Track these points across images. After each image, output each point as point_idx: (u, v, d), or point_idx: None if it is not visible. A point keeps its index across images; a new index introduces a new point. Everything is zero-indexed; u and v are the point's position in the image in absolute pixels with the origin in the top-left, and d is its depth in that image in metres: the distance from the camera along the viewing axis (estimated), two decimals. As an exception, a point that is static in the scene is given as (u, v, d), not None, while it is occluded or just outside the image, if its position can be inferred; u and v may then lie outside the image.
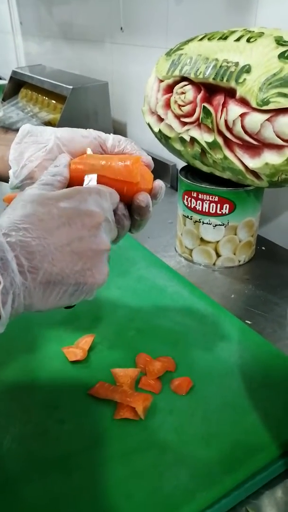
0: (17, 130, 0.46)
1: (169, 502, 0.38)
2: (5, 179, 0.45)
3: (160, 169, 1.07)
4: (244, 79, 0.56)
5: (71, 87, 1.06)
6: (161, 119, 0.69)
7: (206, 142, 0.62)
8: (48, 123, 1.16)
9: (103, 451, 0.42)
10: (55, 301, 0.34)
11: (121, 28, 1.11)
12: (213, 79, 0.59)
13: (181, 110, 0.64)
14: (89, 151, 0.43)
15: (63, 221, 0.34)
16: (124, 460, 0.41)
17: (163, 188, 0.45)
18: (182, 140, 0.66)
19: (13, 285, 0.31)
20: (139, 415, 0.45)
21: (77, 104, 1.08)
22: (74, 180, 0.41)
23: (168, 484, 0.39)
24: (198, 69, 0.61)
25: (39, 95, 1.29)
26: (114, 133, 1.24)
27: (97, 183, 0.40)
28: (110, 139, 0.44)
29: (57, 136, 0.44)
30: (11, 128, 0.47)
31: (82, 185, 0.40)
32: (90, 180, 0.40)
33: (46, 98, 1.25)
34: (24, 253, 0.31)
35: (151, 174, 0.44)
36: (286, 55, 0.54)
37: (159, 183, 0.44)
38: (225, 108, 0.58)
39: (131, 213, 0.43)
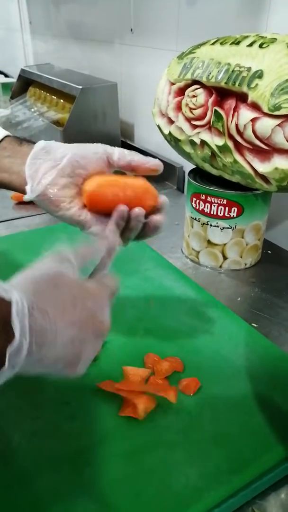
0: (30, 141, 0.49)
1: (177, 500, 0.38)
2: (20, 191, 0.48)
3: (167, 171, 1.07)
4: (256, 84, 0.56)
5: (80, 87, 1.06)
6: (171, 122, 0.70)
7: (216, 145, 0.63)
8: (56, 123, 1.17)
9: (112, 448, 0.43)
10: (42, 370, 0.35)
11: (131, 29, 1.12)
12: (225, 83, 0.59)
13: (192, 113, 0.64)
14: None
15: (78, 319, 0.35)
16: (133, 458, 0.42)
17: (167, 203, 0.49)
18: (192, 142, 0.67)
19: (15, 368, 0.31)
20: (139, 413, 0.45)
21: (86, 104, 1.09)
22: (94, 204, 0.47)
23: (176, 482, 0.39)
24: (210, 73, 0.61)
25: (48, 94, 1.29)
26: (122, 134, 1.25)
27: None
28: (116, 153, 0.47)
29: (70, 154, 0.46)
30: (25, 139, 0.49)
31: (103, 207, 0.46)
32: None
33: (55, 98, 1.25)
34: (38, 340, 0.32)
35: (156, 198, 0.48)
36: (298, 61, 0.55)
37: (164, 199, 0.48)
38: (236, 112, 0.59)
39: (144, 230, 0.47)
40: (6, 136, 0.49)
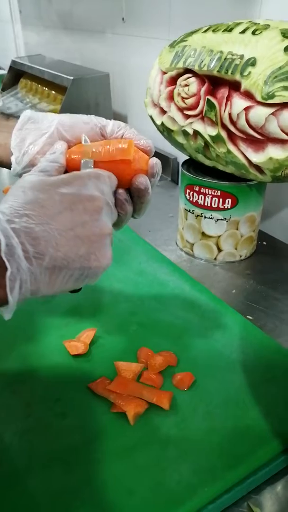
0: (18, 117, 0.46)
1: (171, 497, 0.38)
2: (8, 166, 0.45)
3: (160, 162, 1.06)
4: (249, 72, 0.55)
5: (72, 77, 1.05)
6: (164, 112, 0.69)
7: (209, 135, 0.61)
8: (48, 114, 1.15)
9: (105, 445, 0.42)
10: (61, 285, 0.34)
11: (123, 19, 1.10)
12: (218, 71, 0.58)
13: (185, 103, 0.63)
14: (84, 138, 0.43)
15: (65, 206, 0.34)
16: (126, 455, 0.41)
17: (159, 164, 0.44)
18: (185, 133, 0.66)
19: (20, 271, 0.31)
20: (129, 419, 0.44)
21: (78, 95, 1.07)
22: (72, 169, 0.41)
23: (170, 479, 0.39)
24: (202, 61, 0.60)
25: (39, 85, 1.27)
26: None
27: (94, 168, 0.40)
28: (110, 125, 0.44)
29: (59, 122, 0.43)
30: (12, 115, 0.47)
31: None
32: (87, 164, 0.40)
33: (46, 89, 1.23)
34: (29, 239, 0.31)
35: (146, 157, 0.44)
36: (292, 48, 0.54)
37: (153, 159, 0.44)
38: (229, 101, 0.58)
39: (132, 197, 0.43)
40: None
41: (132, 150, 0.41)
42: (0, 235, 0.30)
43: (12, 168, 0.44)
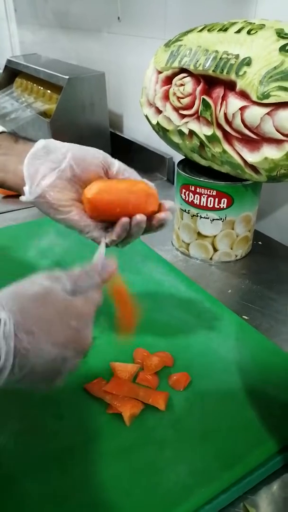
0: (26, 138, 0.47)
1: (167, 498, 0.38)
2: (16, 190, 0.47)
3: (156, 162, 1.06)
4: (245, 72, 0.55)
5: (67, 77, 1.04)
6: (159, 111, 0.68)
7: (205, 135, 0.61)
8: (44, 114, 1.15)
9: (101, 446, 0.42)
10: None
11: (118, 18, 1.09)
12: (213, 71, 0.58)
13: (180, 102, 0.63)
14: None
15: (62, 341, 0.34)
16: (122, 456, 0.41)
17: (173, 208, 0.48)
18: (180, 132, 0.66)
19: None
20: (125, 420, 0.44)
21: (74, 94, 1.06)
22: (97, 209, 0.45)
23: (166, 480, 0.39)
24: (197, 61, 0.60)
25: (35, 84, 1.27)
26: (110, 125, 1.23)
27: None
28: (116, 166, 0.47)
29: (71, 156, 0.45)
30: (20, 136, 0.48)
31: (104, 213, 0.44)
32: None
33: (42, 88, 1.22)
34: (20, 362, 0.32)
35: (157, 199, 0.46)
36: (287, 48, 0.53)
37: (169, 204, 0.47)
38: (224, 101, 0.58)
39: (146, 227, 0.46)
40: (1, 132, 0.48)
41: (157, 196, 0.46)
42: (2, 349, 0.31)
43: (24, 198, 0.45)
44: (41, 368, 0.33)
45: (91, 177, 0.45)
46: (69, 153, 0.45)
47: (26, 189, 0.45)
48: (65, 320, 0.35)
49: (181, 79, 0.63)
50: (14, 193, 0.47)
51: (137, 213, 0.44)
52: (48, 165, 0.45)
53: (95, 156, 0.46)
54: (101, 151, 0.47)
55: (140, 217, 0.44)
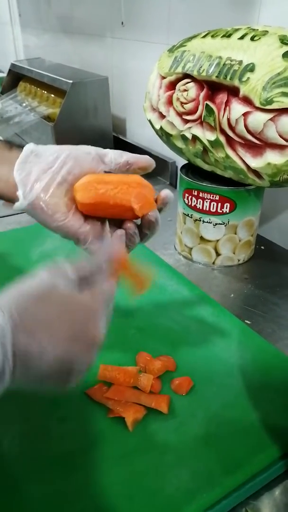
0: (21, 146, 0.45)
1: (170, 503, 0.38)
2: (9, 199, 0.44)
3: (159, 166, 1.06)
4: (248, 78, 0.55)
5: (71, 81, 1.05)
6: (162, 116, 0.69)
7: (208, 140, 0.62)
8: (47, 118, 1.15)
9: (104, 450, 0.42)
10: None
11: (122, 23, 1.10)
12: (216, 77, 0.58)
13: (184, 108, 0.63)
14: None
15: (68, 337, 0.33)
16: (124, 460, 0.41)
17: (170, 196, 0.45)
18: (183, 137, 0.66)
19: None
20: (128, 425, 0.44)
21: (77, 98, 1.07)
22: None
23: (168, 485, 0.39)
24: (201, 67, 0.60)
25: (38, 88, 1.27)
26: (113, 129, 1.23)
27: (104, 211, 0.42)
28: (109, 154, 0.45)
29: (64, 156, 0.43)
30: (14, 144, 0.46)
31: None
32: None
33: (45, 92, 1.23)
34: (22, 364, 0.31)
35: (152, 190, 0.44)
36: (290, 54, 0.54)
37: (164, 192, 0.45)
38: (228, 107, 0.58)
39: (140, 227, 0.44)
40: None
41: (138, 203, 0.42)
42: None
43: (18, 203, 0.43)
44: (49, 368, 0.32)
45: (86, 175, 0.43)
46: (60, 153, 0.43)
47: (19, 194, 0.42)
48: (68, 316, 0.34)
49: (184, 84, 0.63)
50: (18, 209, 0.45)
51: (132, 205, 0.42)
52: (40, 166, 0.43)
53: (87, 151, 0.44)
54: (92, 147, 0.45)
55: (149, 214, 0.42)
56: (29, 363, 0.31)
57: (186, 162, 0.74)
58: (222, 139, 0.60)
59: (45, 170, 0.43)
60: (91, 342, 0.35)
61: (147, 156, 0.46)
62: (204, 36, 0.64)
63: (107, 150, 0.45)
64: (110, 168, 0.45)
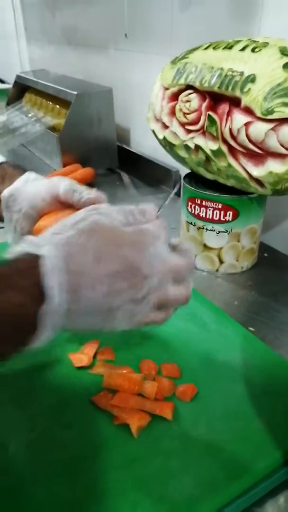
0: (18, 168, 0.51)
1: (173, 509, 0.38)
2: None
3: (163, 175, 1.07)
4: (249, 89, 0.56)
5: (76, 92, 1.06)
6: (166, 127, 0.70)
7: (210, 150, 0.63)
8: (53, 128, 1.17)
9: (108, 457, 0.42)
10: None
11: (126, 35, 1.12)
12: (218, 88, 0.59)
13: (186, 118, 0.65)
14: None
15: (115, 271, 0.33)
16: (129, 467, 0.41)
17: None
18: (186, 147, 0.67)
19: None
20: (133, 432, 0.44)
21: (82, 110, 1.09)
22: None
23: (172, 491, 0.39)
24: (203, 78, 0.61)
25: (44, 100, 1.29)
26: (118, 139, 1.24)
27: None
28: (61, 188, 0.46)
29: (25, 207, 0.47)
30: (15, 166, 0.52)
31: None
32: None
33: (50, 103, 1.25)
34: (73, 296, 0.31)
35: None
36: (290, 65, 0.55)
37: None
38: (230, 117, 0.59)
39: None
40: (1, 163, 0.51)
41: None
42: (54, 284, 0.30)
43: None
44: (97, 303, 0.32)
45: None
46: (24, 203, 0.47)
47: (9, 238, 0.49)
48: (114, 248, 0.33)
49: (187, 95, 0.64)
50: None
51: None
52: (16, 215, 0.48)
53: (43, 197, 0.47)
54: (52, 183, 0.47)
55: None
56: (79, 296, 0.32)
57: (189, 171, 0.75)
58: (224, 148, 0.61)
59: (20, 218, 0.48)
60: (136, 278, 0.34)
61: (99, 194, 0.46)
62: (206, 48, 0.65)
63: (61, 184, 0.46)
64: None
